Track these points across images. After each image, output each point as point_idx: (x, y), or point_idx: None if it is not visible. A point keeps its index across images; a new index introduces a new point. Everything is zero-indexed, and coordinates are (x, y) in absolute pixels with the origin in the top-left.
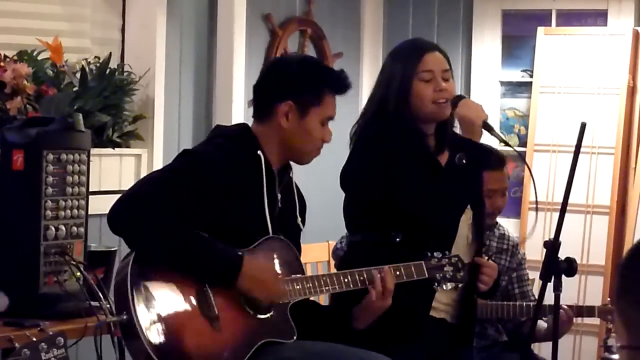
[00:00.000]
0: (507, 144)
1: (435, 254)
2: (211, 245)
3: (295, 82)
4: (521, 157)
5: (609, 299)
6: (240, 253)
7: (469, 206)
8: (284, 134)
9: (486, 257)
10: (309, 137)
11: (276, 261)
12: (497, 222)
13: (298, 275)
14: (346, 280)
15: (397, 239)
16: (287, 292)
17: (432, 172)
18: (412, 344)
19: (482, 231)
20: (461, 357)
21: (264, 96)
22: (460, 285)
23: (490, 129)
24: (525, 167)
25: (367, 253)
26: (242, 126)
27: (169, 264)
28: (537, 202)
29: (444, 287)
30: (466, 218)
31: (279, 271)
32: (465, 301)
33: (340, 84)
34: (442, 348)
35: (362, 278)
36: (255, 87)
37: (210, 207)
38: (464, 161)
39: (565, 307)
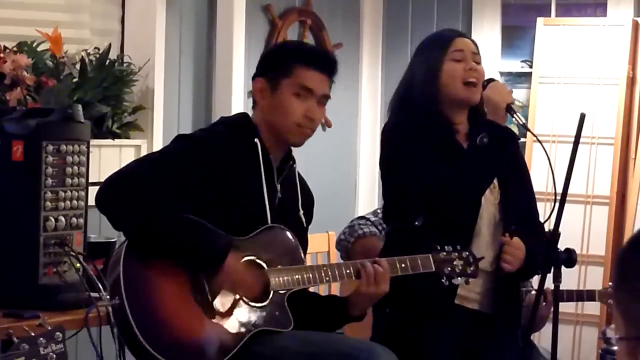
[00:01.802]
0: (527, 129)
1: (446, 247)
2: (198, 233)
3: (266, 58)
4: (540, 143)
5: (610, 282)
6: (226, 248)
7: (496, 185)
8: (264, 112)
9: (510, 236)
10: (284, 111)
11: (275, 250)
12: None
13: (296, 266)
14: (348, 271)
15: (416, 223)
16: (274, 289)
17: (452, 154)
18: (439, 335)
19: (511, 212)
20: (504, 346)
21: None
22: (470, 280)
23: (512, 113)
24: (546, 155)
25: (395, 241)
26: (242, 115)
27: (151, 247)
28: (555, 192)
29: (453, 281)
30: (493, 198)
31: (276, 261)
32: (499, 289)
33: (315, 55)
34: (473, 338)
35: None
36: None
37: (204, 193)
38: (485, 140)
39: (530, 291)
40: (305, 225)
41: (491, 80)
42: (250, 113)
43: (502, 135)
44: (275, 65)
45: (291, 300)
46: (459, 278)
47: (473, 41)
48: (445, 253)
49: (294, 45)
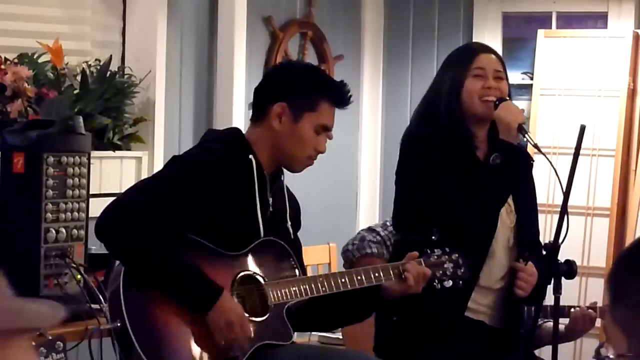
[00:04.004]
0: (537, 148)
1: (435, 250)
2: (193, 271)
3: (292, 84)
4: (551, 163)
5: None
6: (220, 287)
7: (513, 209)
8: (276, 136)
9: (524, 262)
10: (300, 142)
11: (272, 264)
12: None
13: (293, 278)
14: (343, 280)
15: (433, 238)
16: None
17: (471, 170)
18: (444, 344)
19: (526, 237)
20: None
21: (261, 97)
22: (461, 282)
23: (524, 133)
24: (554, 172)
25: (407, 252)
26: (234, 130)
27: (147, 278)
28: (565, 205)
29: (445, 284)
30: (509, 221)
31: (273, 275)
32: (508, 305)
33: (339, 94)
34: (478, 350)
35: (359, 278)
36: (255, 89)
37: (201, 211)
38: (497, 161)
39: (581, 307)
40: (292, 236)
41: (502, 99)
42: (242, 127)
43: (517, 156)
44: (301, 95)
45: (322, 302)
46: (450, 281)
47: (498, 56)
48: (436, 256)
49: (321, 78)
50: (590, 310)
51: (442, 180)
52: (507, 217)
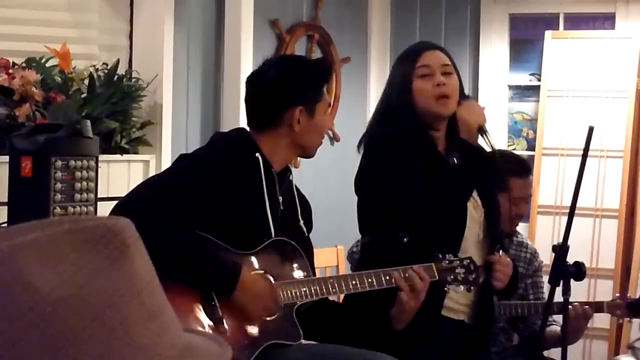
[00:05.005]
0: (494, 152)
1: (447, 255)
2: (210, 254)
3: (298, 87)
4: (498, 168)
5: (617, 294)
6: (238, 264)
7: (480, 204)
8: (296, 136)
9: (499, 254)
10: (319, 132)
11: (282, 264)
12: (517, 230)
13: (303, 278)
14: (353, 282)
15: (405, 239)
16: (282, 302)
17: (434, 170)
18: (425, 345)
19: (495, 229)
20: (478, 359)
21: (266, 108)
22: (472, 287)
23: (483, 134)
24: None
25: (377, 254)
26: (240, 130)
27: (166, 270)
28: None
29: (456, 289)
30: (477, 216)
31: (284, 275)
32: (483, 301)
33: (328, 71)
34: (460, 350)
35: (370, 280)
36: (251, 100)
37: (211, 210)
38: (455, 161)
39: (574, 305)
40: (306, 234)
41: (465, 98)
42: (247, 127)
43: (475, 154)
44: (309, 93)
45: (322, 313)
46: (461, 286)
47: (444, 51)
48: (447, 262)
49: (310, 67)
50: (585, 307)
51: (407, 179)
52: (474, 211)
